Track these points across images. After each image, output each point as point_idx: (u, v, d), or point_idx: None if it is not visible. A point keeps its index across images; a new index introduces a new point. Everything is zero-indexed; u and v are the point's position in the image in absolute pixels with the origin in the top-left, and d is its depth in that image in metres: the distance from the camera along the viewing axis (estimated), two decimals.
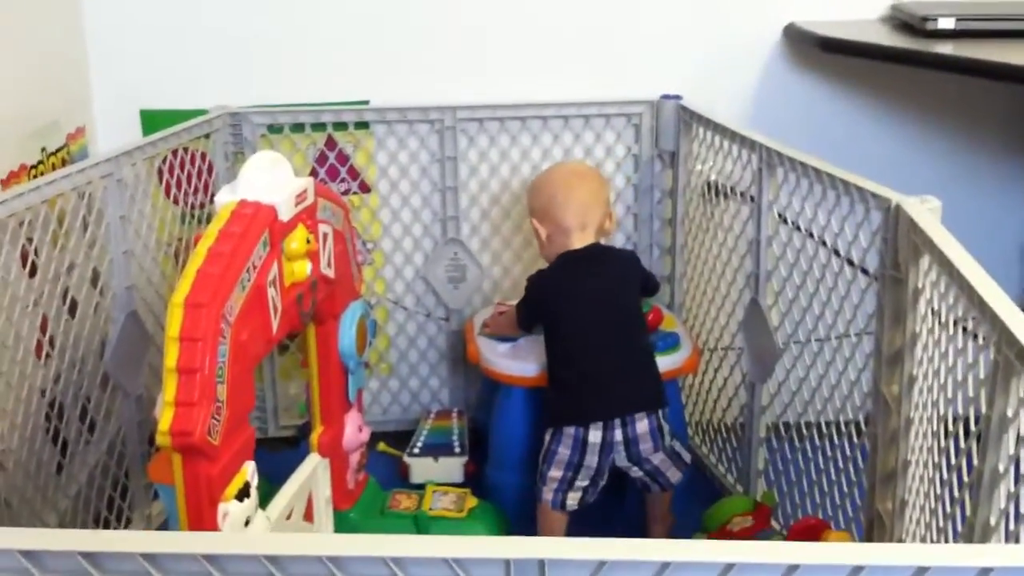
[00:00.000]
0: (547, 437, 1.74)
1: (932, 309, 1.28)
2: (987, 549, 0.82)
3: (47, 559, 0.69)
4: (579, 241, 1.81)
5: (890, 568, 0.67)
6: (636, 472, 1.75)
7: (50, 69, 1.89)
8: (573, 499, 1.74)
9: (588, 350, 1.73)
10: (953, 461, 1.18)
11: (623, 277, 1.80)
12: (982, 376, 1.11)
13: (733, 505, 1.80)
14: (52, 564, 0.69)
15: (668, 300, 2.12)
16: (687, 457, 1.78)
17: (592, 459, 1.71)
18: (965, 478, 1.14)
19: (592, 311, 1.75)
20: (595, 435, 1.69)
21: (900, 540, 1.37)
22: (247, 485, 1.32)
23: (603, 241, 1.86)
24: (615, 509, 1.85)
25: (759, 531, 1.72)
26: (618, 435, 1.70)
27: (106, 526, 1.77)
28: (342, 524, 1.74)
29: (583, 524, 1.78)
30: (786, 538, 1.57)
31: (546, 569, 0.67)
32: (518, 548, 0.68)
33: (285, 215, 1.42)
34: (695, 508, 1.85)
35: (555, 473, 1.73)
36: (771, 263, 1.72)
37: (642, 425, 1.71)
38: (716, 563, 0.68)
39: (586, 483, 1.73)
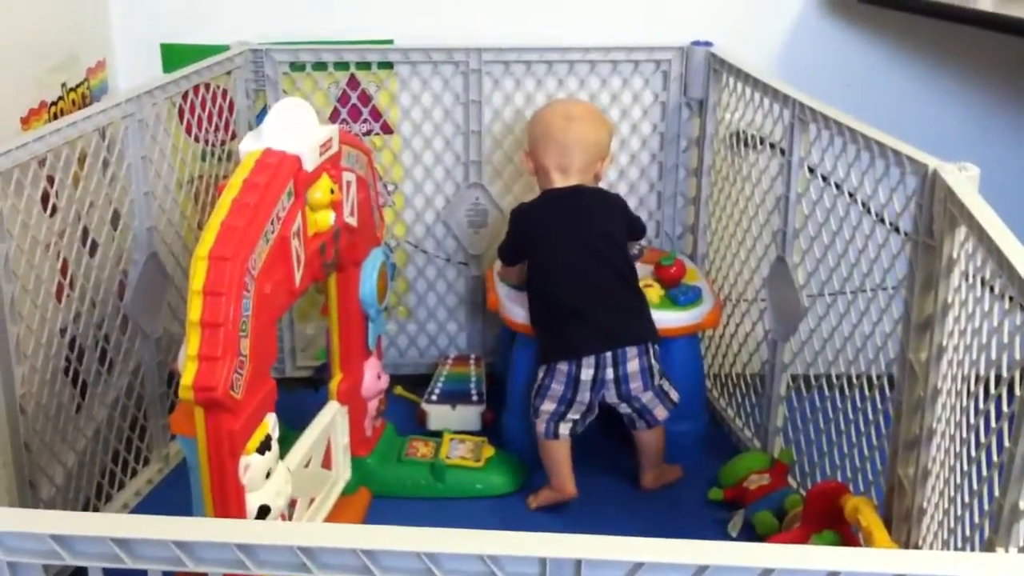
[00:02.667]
0: (540, 373, 1.76)
1: (966, 280, 1.25)
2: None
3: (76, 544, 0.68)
4: (560, 182, 1.82)
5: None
6: (624, 408, 1.77)
7: (69, 2, 1.85)
8: (564, 428, 1.76)
9: (566, 284, 1.75)
10: (983, 438, 1.17)
11: (605, 216, 1.81)
12: (1017, 355, 1.09)
13: (750, 461, 1.80)
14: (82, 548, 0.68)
15: (691, 251, 2.10)
16: (675, 396, 1.79)
17: (584, 395, 1.74)
18: (995, 456, 1.13)
19: (570, 247, 1.76)
20: (587, 372, 1.72)
21: (921, 509, 1.36)
22: (268, 438, 1.32)
23: (603, 184, 1.88)
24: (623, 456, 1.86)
25: (776, 489, 1.72)
26: (609, 373, 1.72)
27: (124, 466, 1.77)
28: (359, 470, 1.74)
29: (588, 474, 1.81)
30: (804, 501, 1.56)
31: (582, 569, 0.67)
32: (555, 547, 0.67)
33: (309, 165, 1.40)
34: (711, 463, 1.85)
35: (547, 407, 1.75)
36: (799, 221, 1.69)
37: (633, 364, 1.72)
38: (754, 568, 0.67)
39: (576, 416, 1.76)
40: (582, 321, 1.73)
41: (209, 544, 0.67)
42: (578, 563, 0.66)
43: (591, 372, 1.72)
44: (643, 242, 1.96)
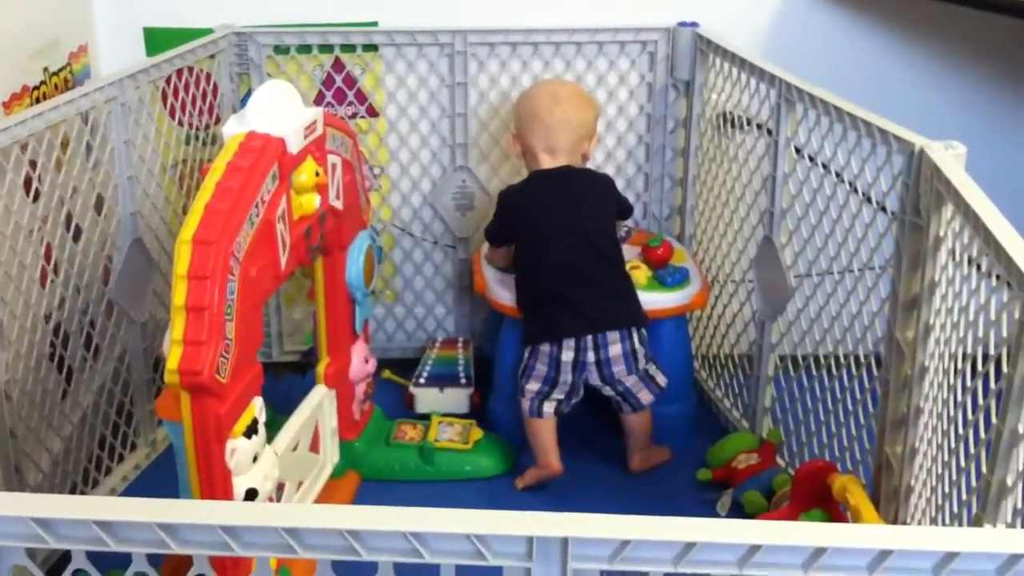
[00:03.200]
0: (525, 353, 1.77)
1: (953, 258, 1.25)
2: None
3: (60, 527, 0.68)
4: (548, 163, 1.82)
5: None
6: (608, 391, 1.78)
7: None
8: (549, 407, 1.77)
9: (552, 267, 1.75)
10: (971, 416, 1.17)
11: (593, 197, 1.81)
12: (1005, 333, 1.09)
13: (738, 441, 1.80)
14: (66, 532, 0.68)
15: (678, 232, 2.10)
16: (662, 381, 1.79)
17: (566, 376, 1.74)
18: (982, 434, 1.13)
19: (557, 228, 1.76)
20: (568, 354, 1.72)
21: (909, 487, 1.36)
22: (255, 422, 1.31)
23: (589, 165, 1.88)
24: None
25: (764, 469, 1.72)
26: (591, 356, 1.73)
27: (111, 451, 1.77)
28: (348, 454, 1.74)
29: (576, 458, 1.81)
30: (792, 480, 1.57)
31: (569, 547, 0.66)
32: (541, 525, 0.66)
33: (294, 147, 1.39)
34: (700, 444, 1.85)
35: (532, 386, 1.76)
36: (786, 201, 1.69)
37: (615, 348, 1.73)
38: (741, 544, 0.67)
39: (561, 396, 1.77)
40: (565, 304, 1.73)
41: (193, 526, 0.67)
42: (565, 541, 0.66)
43: (571, 355, 1.73)
44: (629, 223, 1.96)
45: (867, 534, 0.66)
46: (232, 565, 1.24)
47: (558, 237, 1.76)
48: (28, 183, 1.51)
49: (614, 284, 1.77)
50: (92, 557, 0.73)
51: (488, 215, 1.92)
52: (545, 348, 1.73)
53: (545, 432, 1.77)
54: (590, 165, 1.95)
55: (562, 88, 1.88)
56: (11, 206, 1.46)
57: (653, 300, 1.80)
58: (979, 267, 1.18)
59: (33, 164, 1.51)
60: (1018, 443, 1.03)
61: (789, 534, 0.66)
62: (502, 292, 1.85)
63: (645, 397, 1.78)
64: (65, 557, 0.73)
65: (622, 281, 1.79)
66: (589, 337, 1.72)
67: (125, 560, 0.74)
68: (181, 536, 0.68)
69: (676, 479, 1.82)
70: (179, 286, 1.21)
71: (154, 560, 0.73)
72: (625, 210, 1.89)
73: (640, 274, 1.84)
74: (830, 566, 0.66)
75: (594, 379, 1.75)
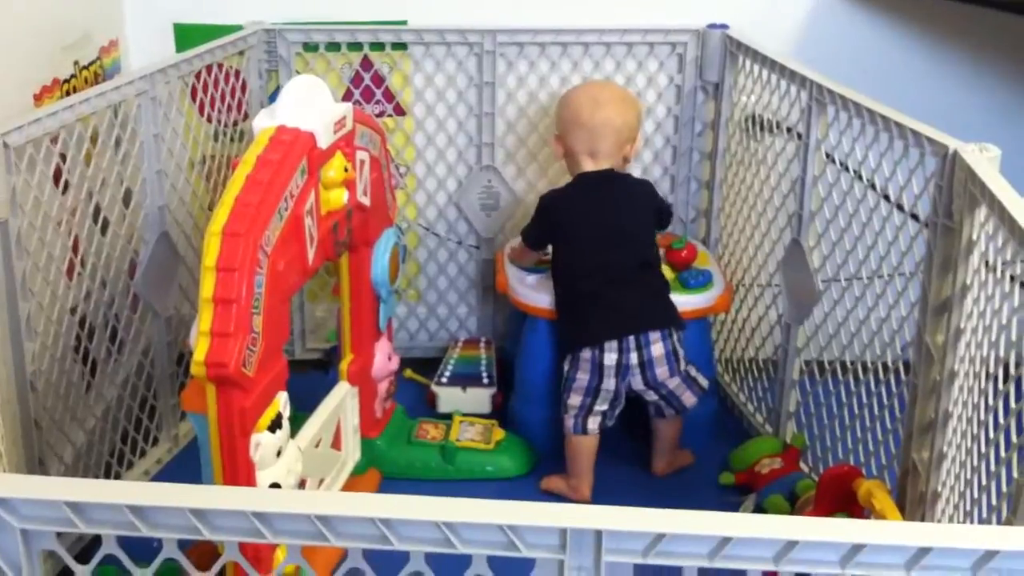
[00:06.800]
0: (566, 365, 1.75)
1: (986, 262, 1.24)
2: None
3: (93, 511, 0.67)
4: (590, 166, 1.81)
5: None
6: (651, 396, 1.76)
7: None
8: (593, 423, 1.74)
9: (592, 270, 1.74)
10: (1002, 420, 1.16)
11: (634, 202, 1.79)
12: None
13: (762, 446, 1.79)
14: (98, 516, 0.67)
15: (704, 235, 2.09)
16: (704, 382, 1.78)
17: (609, 382, 1.72)
18: (1014, 438, 1.12)
19: (599, 232, 1.75)
20: (611, 357, 1.70)
21: (935, 493, 1.35)
22: (279, 416, 1.31)
23: (628, 169, 1.85)
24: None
25: (788, 474, 1.71)
26: (634, 358, 1.71)
27: (133, 445, 1.77)
28: (369, 452, 1.74)
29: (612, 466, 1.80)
30: (817, 485, 1.55)
31: (603, 539, 0.66)
32: (575, 517, 0.66)
33: (323, 142, 1.39)
34: (722, 447, 1.84)
35: (574, 400, 1.73)
36: (815, 204, 1.68)
37: (657, 348, 1.71)
38: (777, 540, 0.66)
39: (604, 407, 1.74)
40: (604, 308, 1.71)
41: (225, 512, 0.67)
42: (599, 533, 0.65)
43: (615, 356, 1.70)
44: None
45: (905, 531, 0.65)
46: (254, 558, 1.23)
47: (598, 240, 1.75)
48: (58, 175, 1.52)
49: (652, 286, 1.76)
50: (123, 542, 0.72)
51: (515, 216, 1.91)
52: (586, 354, 1.71)
53: (586, 453, 1.75)
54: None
55: (604, 91, 1.86)
56: (41, 198, 1.46)
57: (675, 302, 1.79)
58: (1012, 278, 1.17)
59: (63, 156, 1.51)
60: None
61: (827, 530, 0.65)
62: (524, 291, 1.84)
63: (688, 399, 1.77)
64: (90, 546, 0.73)
65: (660, 284, 1.77)
66: (631, 338, 1.70)
67: (148, 553, 0.74)
68: (213, 522, 0.67)
69: (698, 482, 1.81)
70: (207, 278, 1.21)
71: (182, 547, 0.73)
72: (665, 217, 1.87)
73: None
74: (867, 563, 0.65)
75: (637, 384, 1.73)
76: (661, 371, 1.72)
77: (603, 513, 0.66)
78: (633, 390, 1.74)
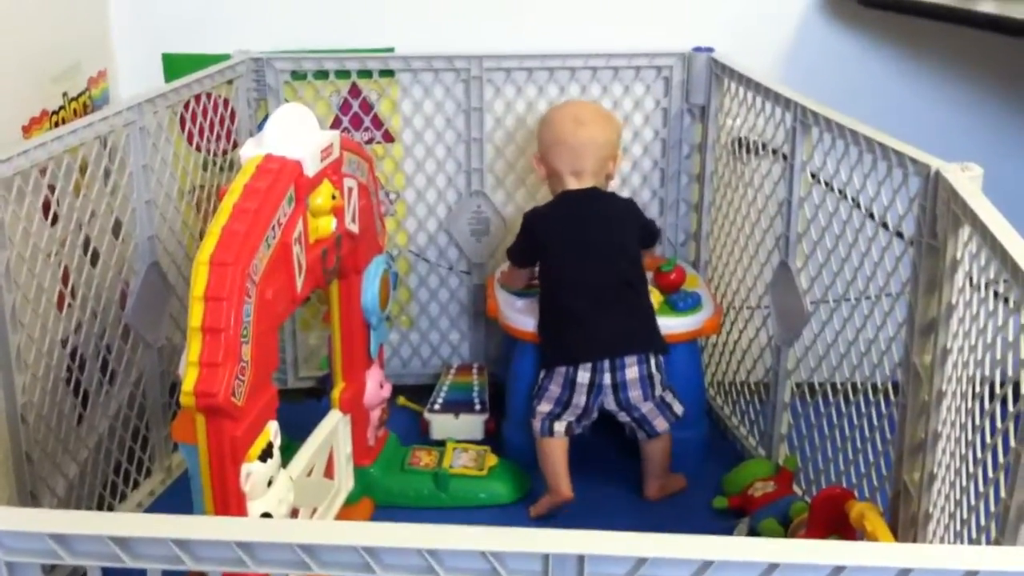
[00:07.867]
0: (541, 374, 1.77)
1: (970, 281, 1.25)
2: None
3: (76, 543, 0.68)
4: (574, 185, 1.82)
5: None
6: (624, 417, 1.77)
7: (70, 10, 1.85)
8: (559, 427, 1.76)
9: (574, 289, 1.75)
10: (989, 440, 1.16)
11: (618, 221, 1.81)
12: (1023, 355, 1.08)
13: (754, 469, 1.79)
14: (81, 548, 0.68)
15: (693, 258, 2.09)
16: (679, 409, 1.78)
17: (580, 399, 1.74)
18: (1001, 458, 1.12)
19: (580, 249, 1.77)
20: (584, 376, 1.72)
21: (927, 514, 1.35)
22: (270, 445, 1.31)
23: (611, 186, 1.88)
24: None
25: (782, 497, 1.70)
26: (607, 379, 1.72)
27: (126, 477, 1.76)
28: (362, 480, 1.73)
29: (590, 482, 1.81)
30: (810, 507, 1.55)
31: (585, 565, 0.66)
32: (557, 542, 0.66)
33: (311, 170, 1.40)
34: (715, 471, 1.84)
35: (544, 407, 1.76)
36: (802, 225, 1.69)
37: (632, 371, 1.72)
38: (759, 563, 0.66)
39: (572, 418, 1.76)
40: (584, 329, 1.73)
41: (209, 542, 0.67)
42: (581, 559, 0.65)
43: (588, 375, 1.72)
44: None
45: (887, 552, 0.65)
46: None
47: (581, 258, 1.76)
48: (47, 206, 1.52)
49: (634, 308, 1.77)
50: (107, 574, 0.72)
51: (504, 241, 1.92)
52: (561, 370, 1.73)
53: (556, 454, 1.76)
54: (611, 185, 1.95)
55: (584, 110, 1.88)
56: (30, 229, 1.46)
57: (665, 325, 1.80)
58: (996, 293, 1.17)
59: (52, 188, 1.52)
60: None
61: (808, 553, 0.65)
62: (515, 316, 1.85)
63: (660, 424, 1.77)
64: (78, 573, 0.73)
65: (642, 305, 1.78)
66: (606, 361, 1.71)
67: None
68: (196, 552, 0.67)
69: (691, 506, 1.80)
70: (196, 307, 1.22)
71: None
72: (651, 235, 1.89)
73: (652, 299, 1.83)
74: None
75: (610, 403, 1.75)
76: (635, 394, 1.73)
77: (585, 538, 0.66)
78: (606, 409, 1.76)
